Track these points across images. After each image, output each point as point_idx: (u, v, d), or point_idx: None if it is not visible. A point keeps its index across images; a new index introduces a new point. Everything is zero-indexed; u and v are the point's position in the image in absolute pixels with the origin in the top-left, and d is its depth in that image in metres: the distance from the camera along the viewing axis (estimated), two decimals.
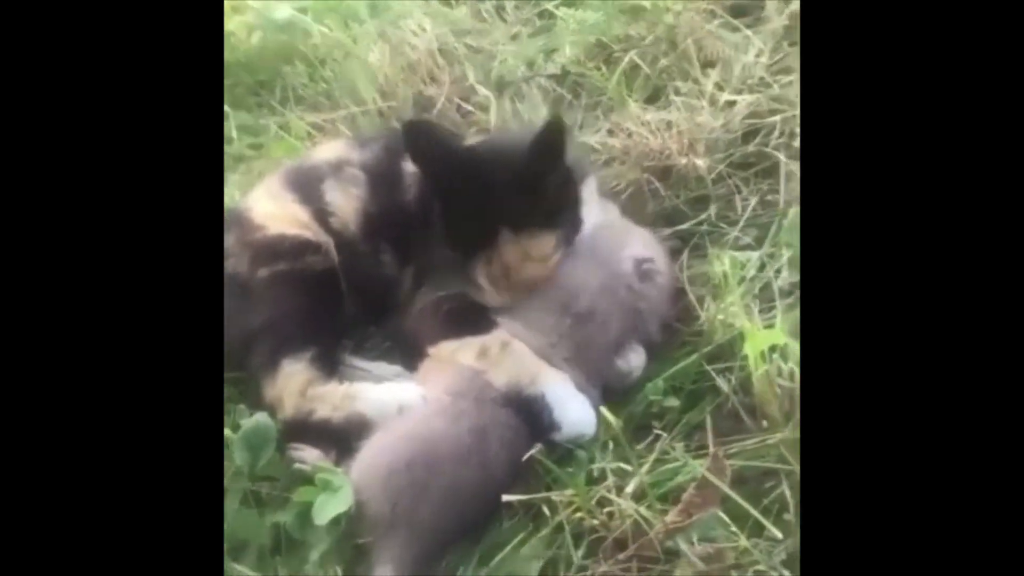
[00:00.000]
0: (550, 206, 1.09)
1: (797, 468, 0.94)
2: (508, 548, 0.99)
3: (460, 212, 1.10)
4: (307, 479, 1.06)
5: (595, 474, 0.99)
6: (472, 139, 1.30)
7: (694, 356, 1.08)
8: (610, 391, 1.09)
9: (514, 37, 1.62)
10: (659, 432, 1.01)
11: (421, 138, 1.11)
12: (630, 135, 1.32)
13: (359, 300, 1.23)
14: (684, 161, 1.28)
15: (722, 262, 1.13)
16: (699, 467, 0.94)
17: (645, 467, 0.97)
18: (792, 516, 0.93)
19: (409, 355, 1.18)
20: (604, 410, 0.97)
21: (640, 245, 1.13)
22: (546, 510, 0.98)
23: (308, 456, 1.09)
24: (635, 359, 1.10)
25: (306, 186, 1.25)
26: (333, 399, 1.11)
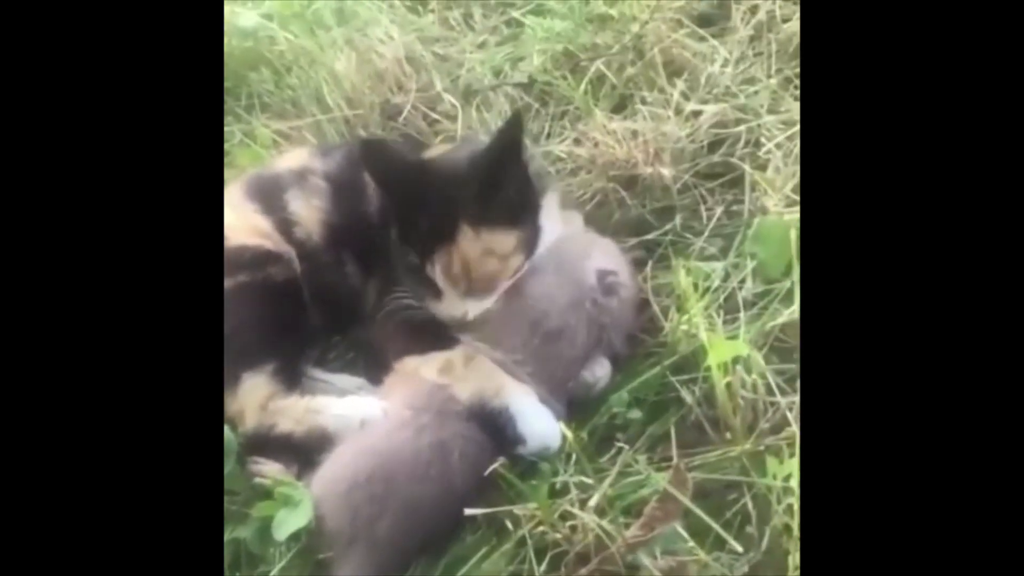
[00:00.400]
0: (510, 204, 1.08)
1: (759, 481, 0.94)
2: (471, 563, 0.98)
3: (417, 213, 1.08)
4: (267, 493, 1.04)
5: (558, 487, 0.98)
6: (437, 148, 1.29)
7: (658, 368, 1.08)
8: (575, 403, 1.08)
9: (481, 45, 1.61)
10: (622, 445, 1.00)
11: (377, 157, 1.11)
12: (596, 144, 1.32)
13: (323, 311, 1.22)
14: (650, 170, 1.27)
15: (687, 273, 1.12)
16: (661, 480, 0.94)
17: (608, 481, 0.97)
18: (754, 529, 0.92)
19: (373, 367, 1.17)
20: (562, 426, 0.97)
21: (603, 257, 1.12)
22: (509, 524, 0.98)
23: (268, 470, 1.08)
24: (600, 371, 1.09)
25: (268, 196, 1.23)
26: (295, 413, 1.10)
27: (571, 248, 1.14)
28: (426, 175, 1.10)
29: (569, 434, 0.94)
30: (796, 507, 0.85)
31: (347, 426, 1.07)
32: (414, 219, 1.09)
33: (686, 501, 0.89)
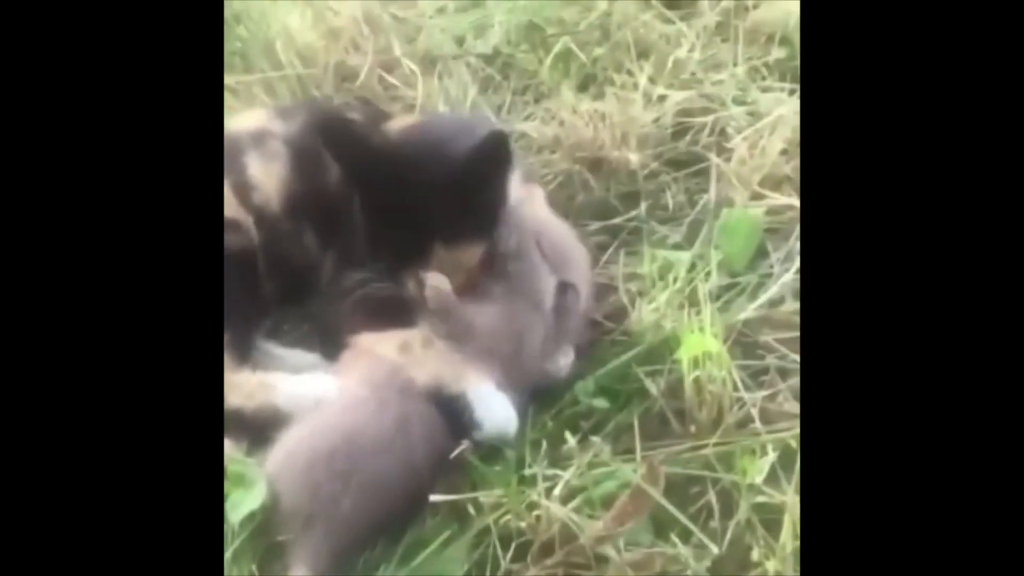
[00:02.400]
0: (483, 216, 1.07)
1: (724, 476, 0.94)
2: (431, 547, 0.96)
3: (386, 220, 1.06)
4: None
5: (527, 477, 0.97)
6: (396, 119, 1.24)
7: (624, 357, 1.07)
8: (538, 390, 1.07)
9: (441, 10, 1.57)
10: (591, 437, 0.99)
11: (338, 135, 1.08)
12: (562, 123, 1.30)
13: (278, 282, 1.18)
14: (616, 154, 1.26)
15: (653, 261, 1.12)
16: (631, 472, 0.93)
17: (571, 470, 0.96)
18: (717, 524, 0.93)
19: (328, 343, 1.13)
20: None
21: (563, 263, 1.11)
22: (471, 510, 0.96)
23: None
24: (563, 360, 1.08)
25: (225, 157, 1.17)
26: (246, 388, 1.06)
27: (529, 261, 1.10)
28: (393, 161, 1.07)
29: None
30: (795, 508, 0.86)
31: (300, 405, 1.03)
32: (380, 222, 1.07)
33: (659, 498, 0.89)
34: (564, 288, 1.08)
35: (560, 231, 1.14)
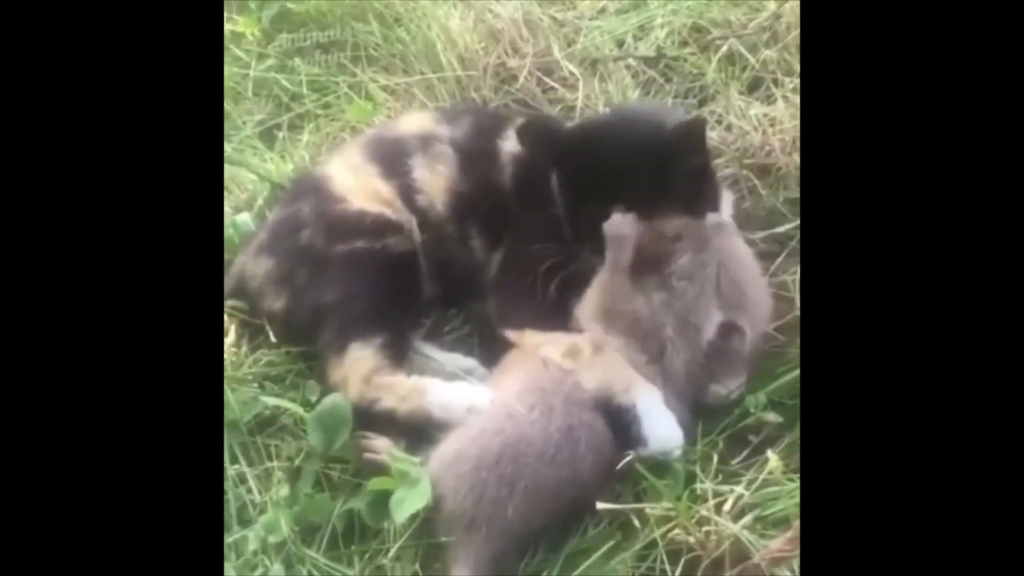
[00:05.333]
0: (684, 190, 1.06)
1: None
2: (594, 557, 0.94)
3: (585, 195, 1.05)
4: (381, 468, 1.01)
5: (698, 492, 0.94)
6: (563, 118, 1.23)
7: (796, 371, 1.02)
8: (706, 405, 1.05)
9: (601, 11, 1.55)
10: (766, 455, 0.96)
11: (536, 134, 1.08)
12: (728, 127, 1.26)
13: (441, 283, 1.18)
14: (786, 160, 1.21)
15: None
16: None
17: (742, 485, 0.93)
18: None
19: (488, 345, 1.14)
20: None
21: (738, 304, 1.06)
22: (636, 521, 0.94)
23: (378, 445, 1.04)
24: (733, 383, 1.05)
25: (391, 160, 1.19)
26: (400, 391, 1.06)
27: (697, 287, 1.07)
28: (586, 146, 1.07)
29: None
30: None
31: (453, 412, 1.03)
32: (581, 202, 1.06)
33: None
34: (729, 329, 1.04)
35: (748, 270, 1.10)
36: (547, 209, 1.09)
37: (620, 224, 1.04)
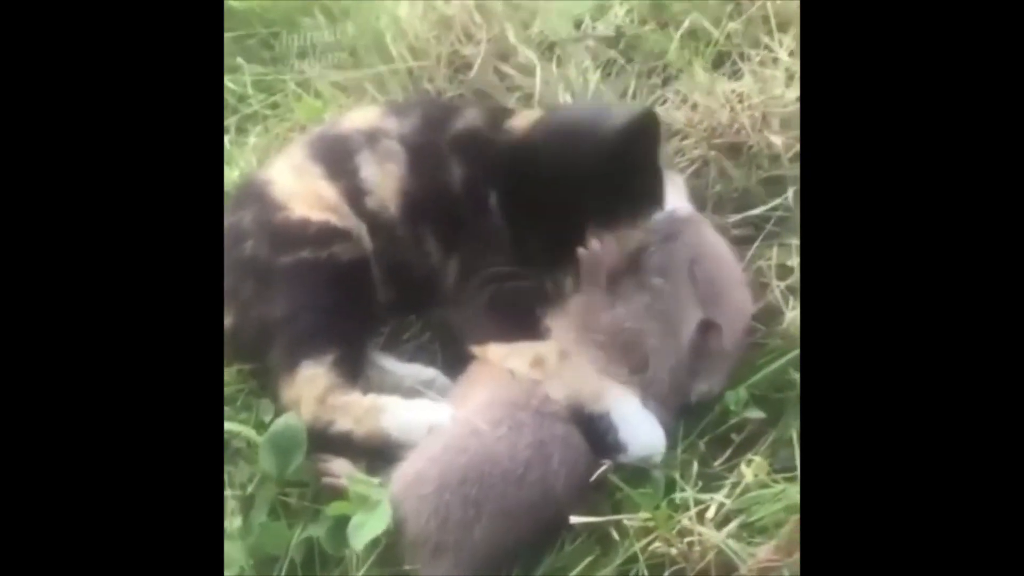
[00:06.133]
0: (640, 198, 0.99)
1: None
2: (573, 574, 0.88)
3: (530, 216, 0.99)
4: (339, 492, 0.94)
5: (677, 501, 0.88)
6: (518, 116, 1.14)
7: (779, 362, 0.97)
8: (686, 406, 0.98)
9: None
10: (748, 456, 0.90)
11: (470, 150, 1.03)
12: (695, 106, 1.19)
13: (396, 290, 1.10)
14: (757, 137, 1.15)
15: None
16: (797, 493, 0.83)
17: (724, 491, 0.88)
18: None
19: (451, 355, 1.07)
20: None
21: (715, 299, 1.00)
22: (614, 534, 0.89)
23: (336, 467, 0.97)
24: (716, 380, 0.98)
25: (336, 159, 1.11)
26: (355, 411, 0.99)
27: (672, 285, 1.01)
28: (533, 166, 1.00)
29: None
30: None
31: (412, 433, 0.96)
32: (527, 224, 1.00)
33: None
34: (707, 327, 0.97)
35: (723, 264, 1.03)
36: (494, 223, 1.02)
37: (597, 250, 0.99)
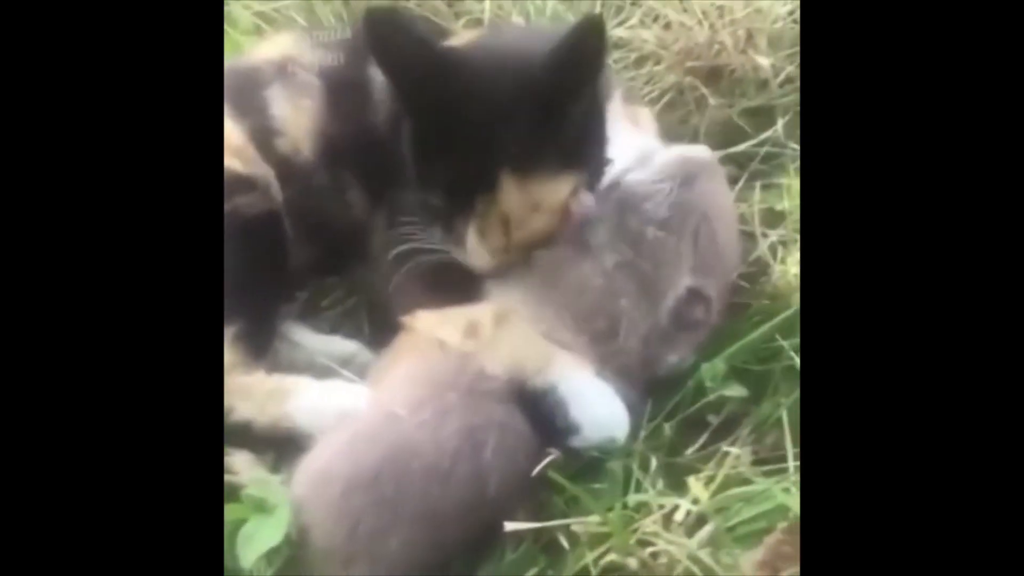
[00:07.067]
0: (568, 142, 0.82)
1: None
2: None
3: (443, 145, 0.82)
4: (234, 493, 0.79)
5: (630, 502, 0.74)
6: (461, 37, 0.99)
7: (764, 327, 0.82)
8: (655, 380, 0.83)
9: None
10: (730, 449, 0.75)
11: (388, 35, 0.81)
12: (668, 26, 1.05)
13: (315, 247, 0.96)
14: (741, 59, 1.01)
15: (797, 196, 0.86)
16: (784, 493, 0.67)
17: (697, 487, 0.72)
18: None
19: (378, 322, 0.92)
20: None
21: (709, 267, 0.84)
22: (563, 541, 0.74)
23: (237, 463, 0.82)
24: (672, 357, 0.84)
25: (241, 94, 0.95)
26: (258, 395, 0.84)
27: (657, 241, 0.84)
28: (455, 73, 0.82)
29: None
30: None
31: (321, 421, 0.82)
32: (436, 147, 0.82)
33: None
34: (695, 298, 0.83)
35: (730, 225, 0.89)
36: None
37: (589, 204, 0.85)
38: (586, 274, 0.84)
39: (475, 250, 0.83)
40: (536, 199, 0.81)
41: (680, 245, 0.84)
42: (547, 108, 0.79)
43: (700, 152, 0.89)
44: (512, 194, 0.80)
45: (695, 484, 0.71)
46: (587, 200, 0.84)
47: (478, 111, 0.80)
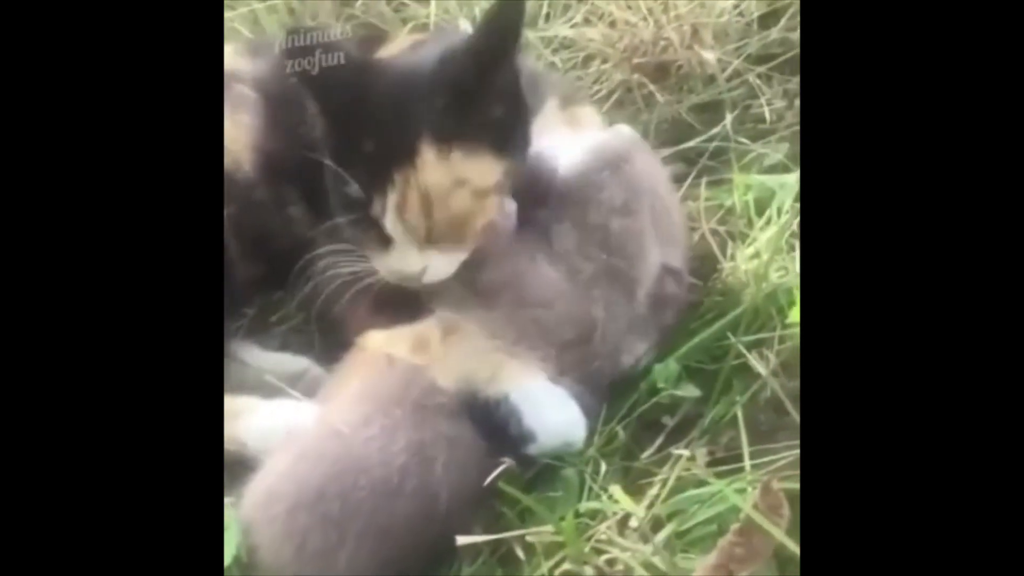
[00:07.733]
0: (493, 119, 0.80)
1: None
2: None
3: (360, 127, 0.80)
4: None
5: (582, 508, 0.72)
6: (396, 44, 0.97)
7: (717, 324, 0.80)
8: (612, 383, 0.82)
9: None
10: (682, 452, 0.73)
11: (305, 55, 0.80)
12: (613, 23, 1.04)
13: (260, 263, 0.94)
14: (687, 55, 1.00)
15: (747, 190, 0.85)
16: (738, 495, 0.66)
17: (652, 491, 0.71)
18: None
19: (330, 338, 0.91)
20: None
21: (671, 239, 0.83)
22: (519, 552, 0.73)
23: None
24: (642, 346, 0.82)
25: None
26: None
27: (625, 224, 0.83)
28: (374, 77, 0.81)
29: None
30: None
31: (268, 441, 0.80)
32: (356, 136, 0.80)
33: (781, 535, 0.61)
34: (666, 273, 0.82)
35: (670, 194, 0.88)
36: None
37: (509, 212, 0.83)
38: (553, 284, 0.82)
39: (398, 239, 0.80)
40: (458, 174, 0.79)
41: (643, 226, 0.83)
42: (465, 82, 0.78)
43: (622, 131, 0.88)
44: (432, 166, 0.78)
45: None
46: (510, 207, 0.82)
47: (397, 92, 0.78)
